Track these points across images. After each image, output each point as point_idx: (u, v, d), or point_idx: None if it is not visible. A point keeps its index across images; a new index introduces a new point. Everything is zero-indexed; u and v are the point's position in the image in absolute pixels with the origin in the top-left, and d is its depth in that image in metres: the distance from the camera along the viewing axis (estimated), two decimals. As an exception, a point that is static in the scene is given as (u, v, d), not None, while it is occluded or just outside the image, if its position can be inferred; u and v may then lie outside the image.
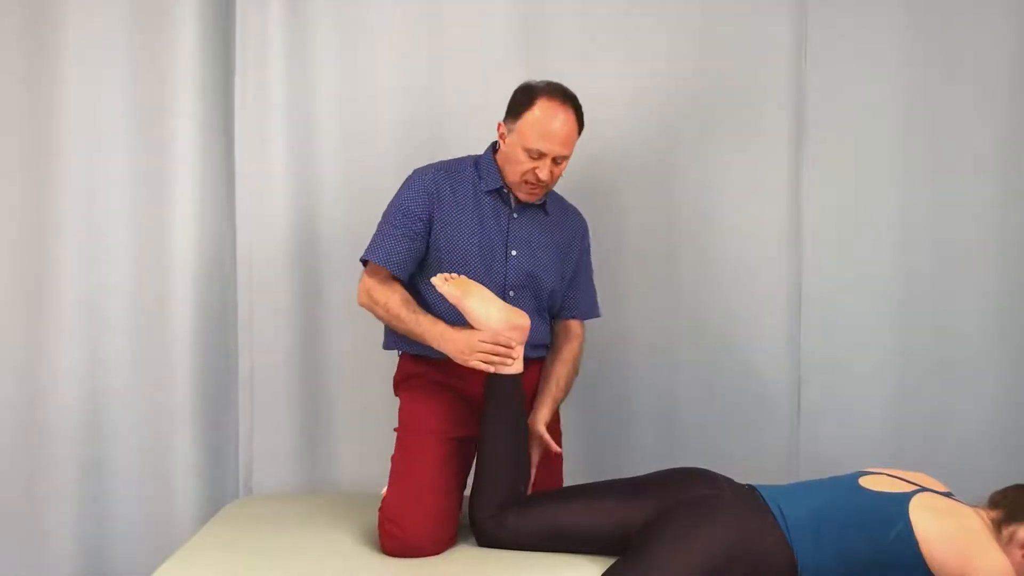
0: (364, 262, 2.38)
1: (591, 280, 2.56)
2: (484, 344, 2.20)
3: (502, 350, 2.21)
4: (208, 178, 2.83)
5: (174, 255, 2.80)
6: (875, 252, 2.83)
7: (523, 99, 2.30)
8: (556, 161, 2.30)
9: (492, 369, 2.21)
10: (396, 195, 2.39)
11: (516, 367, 2.24)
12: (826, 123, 2.82)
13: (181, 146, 2.79)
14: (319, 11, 2.83)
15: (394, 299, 2.31)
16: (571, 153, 2.33)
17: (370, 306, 2.35)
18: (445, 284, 2.23)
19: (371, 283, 2.34)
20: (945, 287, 2.82)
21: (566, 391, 2.46)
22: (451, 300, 2.23)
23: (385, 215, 2.38)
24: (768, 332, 2.85)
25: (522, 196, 2.35)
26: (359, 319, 2.83)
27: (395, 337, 2.40)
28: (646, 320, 2.87)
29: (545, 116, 2.27)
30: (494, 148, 2.42)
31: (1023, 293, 2.81)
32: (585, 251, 2.53)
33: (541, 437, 2.34)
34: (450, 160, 2.45)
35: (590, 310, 2.54)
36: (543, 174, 2.28)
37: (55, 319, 2.78)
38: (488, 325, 2.21)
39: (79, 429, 2.79)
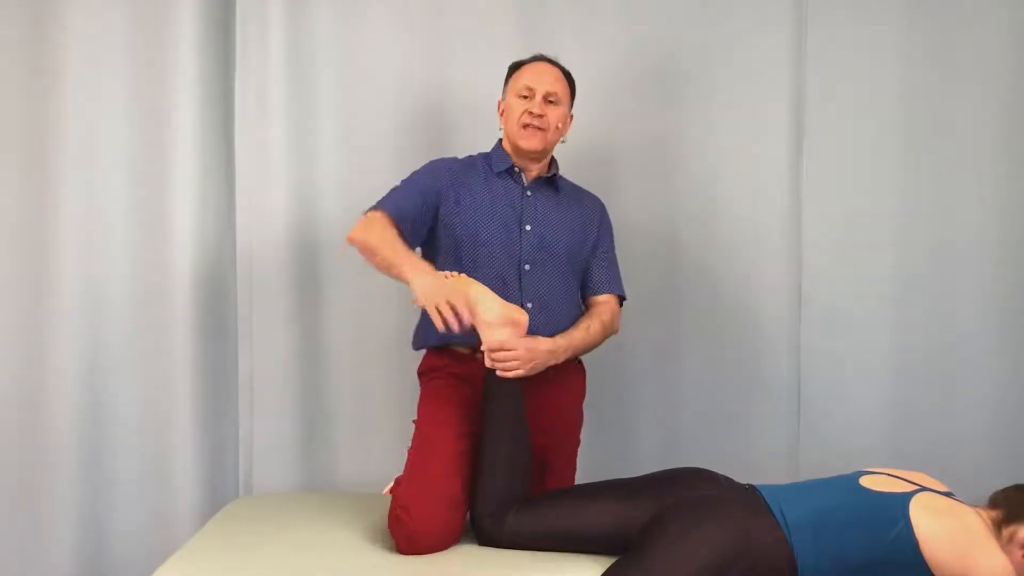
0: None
1: (614, 261, 2.56)
2: (448, 300, 2.16)
3: (449, 312, 2.15)
4: (208, 178, 2.83)
5: (174, 255, 2.80)
6: (875, 252, 2.84)
7: (511, 68, 2.49)
8: (548, 101, 2.39)
9: (440, 323, 2.17)
10: (411, 174, 2.45)
11: (520, 372, 2.24)
12: (826, 123, 2.82)
13: (181, 146, 2.80)
14: (318, 11, 2.83)
15: (390, 232, 2.30)
16: (564, 99, 2.42)
17: (361, 237, 2.30)
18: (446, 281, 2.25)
19: (373, 216, 2.33)
20: (945, 286, 2.82)
21: (585, 340, 2.41)
22: None
23: (402, 181, 2.43)
24: (768, 332, 2.86)
25: (524, 144, 2.39)
26: (359, 319, 2.85)
27: (424, 336, 2.43)
28: (646, 321, 2.87)
29: (530, 66, 2.46)
30: (500, 141, 2.50)
31: (1023, 292, 2.81)
32: (605, 231, 2.55)
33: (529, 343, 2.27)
34: (463, 157, 2.52)
35: (610, 286, 2.52)
36: (536, 108, 2.37)
37: (55, 319, 2.78)
38: (487, 320, 2.22)
39: (79, 429, 2.79)
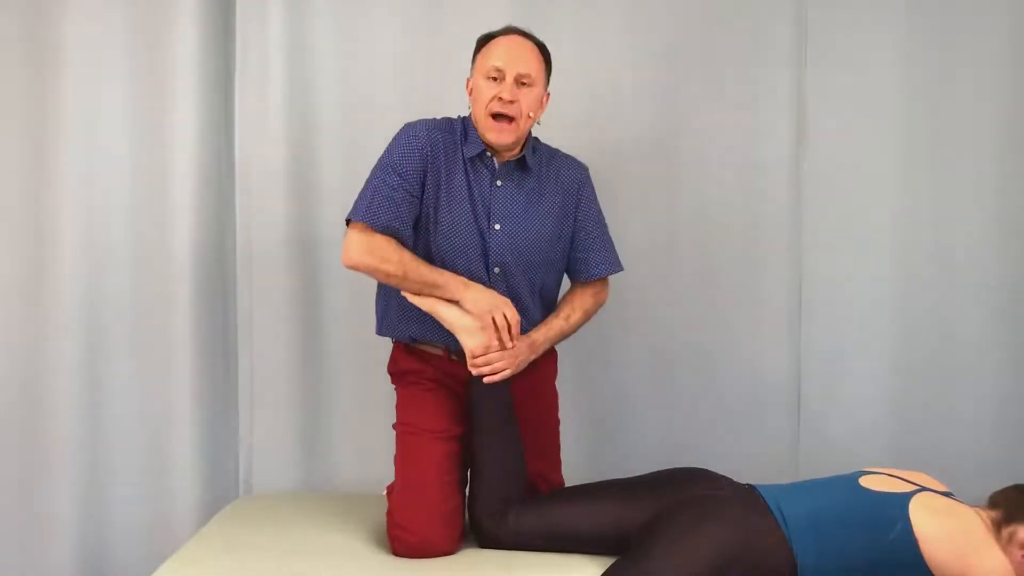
0: (348, 221, 2.28)
1: (602, 234, 2.42)
2: (503, 311, 2.18)
3: (504, 323, 2.18)
4: (208, 178, 2.83)
5: (174, 255, 2.80)
6: (875, 252, 2.83)
7: (480, 42, 2.31)
8: (520, 83, 2.21)
9: (494, 340, 2.18)
10: (387, 151, 2.29)
11: (508, 373, 2.24)
12: (826, 123, 2.82)
13: (181, 146, 2.79)
14: (318, 11, 2.83)
15: (406, 254, 2.22)
16: (538, 80, 2.25)
17: (373, 265, 2.21)
18: (415, 297, 2.23)
19: (369, 238, 2.21)
20: (945, 286, 2.82)
21: (563, 329, 2.37)
22: (424, 309, 2.23)
23: (377, 170, 2.28)
24: (768, 333, 2.85)
25: (492, 137, 2.23)
26: (359, 318, 2.84)
27: (389, 323, 2.38)
28: (645, 320, 2.87)
29: (500, 41, 2.27)
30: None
31: (1023, 292, 2.81)
32: (587, 202, 2.39)
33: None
34: (440, 119, 2.35)
35: (605, 267, 2.41)
36: (506, 94, 2.19)
37: (55, 319, 2.78)
38: (466, 326, 2.20)
39: (79, 429, 2.79)
